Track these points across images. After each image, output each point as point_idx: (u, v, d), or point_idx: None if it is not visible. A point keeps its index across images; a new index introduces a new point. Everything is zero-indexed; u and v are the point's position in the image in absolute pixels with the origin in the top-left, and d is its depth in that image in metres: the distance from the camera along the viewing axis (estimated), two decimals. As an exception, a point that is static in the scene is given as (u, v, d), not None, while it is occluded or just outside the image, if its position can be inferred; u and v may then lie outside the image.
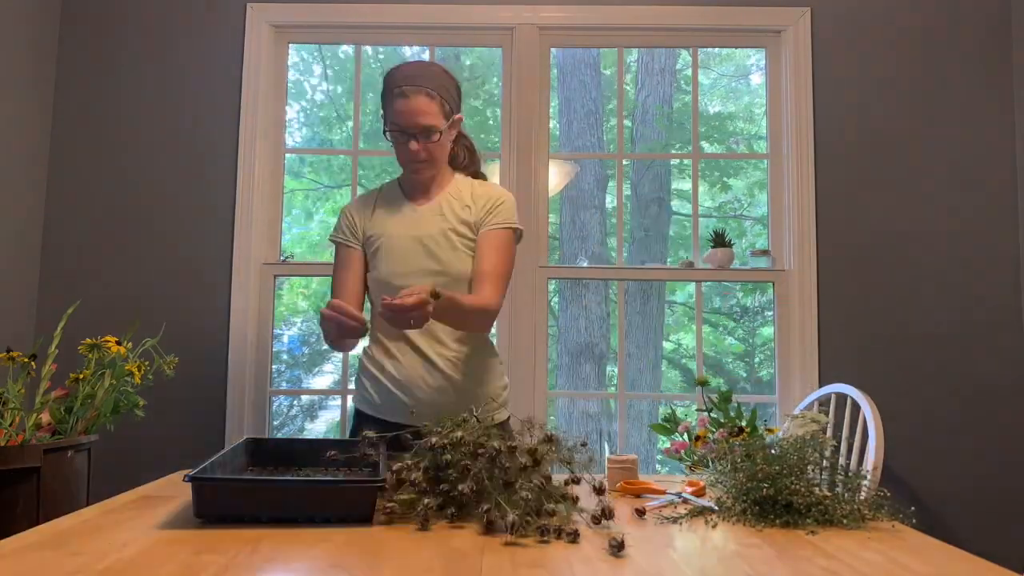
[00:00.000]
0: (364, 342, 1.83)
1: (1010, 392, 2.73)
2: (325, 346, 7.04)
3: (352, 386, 2.99)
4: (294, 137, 6.56)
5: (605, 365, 6.18)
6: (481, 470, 1.15)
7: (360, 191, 3.08)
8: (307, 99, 6.49)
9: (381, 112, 1.80)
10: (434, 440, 1.20)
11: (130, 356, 2.04)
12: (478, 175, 1.94)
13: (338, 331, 1.56)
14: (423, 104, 1.71)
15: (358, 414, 1.85)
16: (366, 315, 1.67)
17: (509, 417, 1.89)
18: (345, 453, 1.34)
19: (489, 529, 1.10)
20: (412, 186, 1.85)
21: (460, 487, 1.13)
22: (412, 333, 1.75)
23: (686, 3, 2.88)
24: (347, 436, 2.08)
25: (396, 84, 1.73)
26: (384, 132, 1.78)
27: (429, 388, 1.75)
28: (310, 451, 1.48)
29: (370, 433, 1.31)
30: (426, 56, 3.12)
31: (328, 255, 2.57)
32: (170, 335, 2.46)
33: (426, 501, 1.14)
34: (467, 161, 1.93)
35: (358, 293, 1.85)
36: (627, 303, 6.16)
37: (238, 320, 2.76)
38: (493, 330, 1.88)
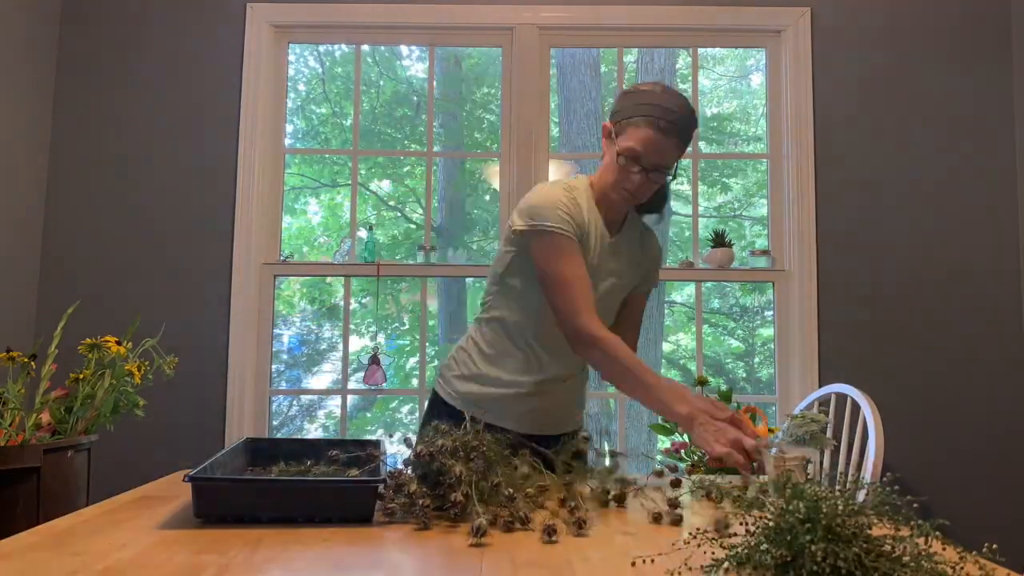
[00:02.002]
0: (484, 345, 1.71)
1: (1010, 392, 2.73)
2: (324, 346, 7.02)
3: (352, 385, 3.00)
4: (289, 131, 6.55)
5: (605, 365, 6.16)
6: (472, 475, 1.15)
7: (360, 191, 3.07)
8: (299, 93, 6.50)
9: (610, 121, 1.62)
10: (419, 449, 1.21)
11: (130, 356, 2.04)
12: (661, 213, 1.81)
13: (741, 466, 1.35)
14: (673, 148, 1.57)
15: (441, 404, 1.71)
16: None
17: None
18: (346, 453, 1.34)
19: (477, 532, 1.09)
20: (609, 208, 1.66)
21: (452, 496, 1.13)
22: (547, 358, 1.66)
23: (686, 3, 2.88)
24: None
25: (658, 113, 1.55)
26: (610, 134, 1.61)
27: (547, 424, 1.72)
28: (310, 451, 1.47)
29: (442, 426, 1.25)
30: (426, 56, 3.12)
31: (326, 252, 2.56)
32: (170, 335, 2.46)
33: (420, 502, 1.14)
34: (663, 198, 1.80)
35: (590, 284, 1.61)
36: (627, 303, 6.14)
37: (238, 320, 2.76)
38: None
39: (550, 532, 1.06)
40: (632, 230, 1.72)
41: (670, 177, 1.62)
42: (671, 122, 1.54)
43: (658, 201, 1.72)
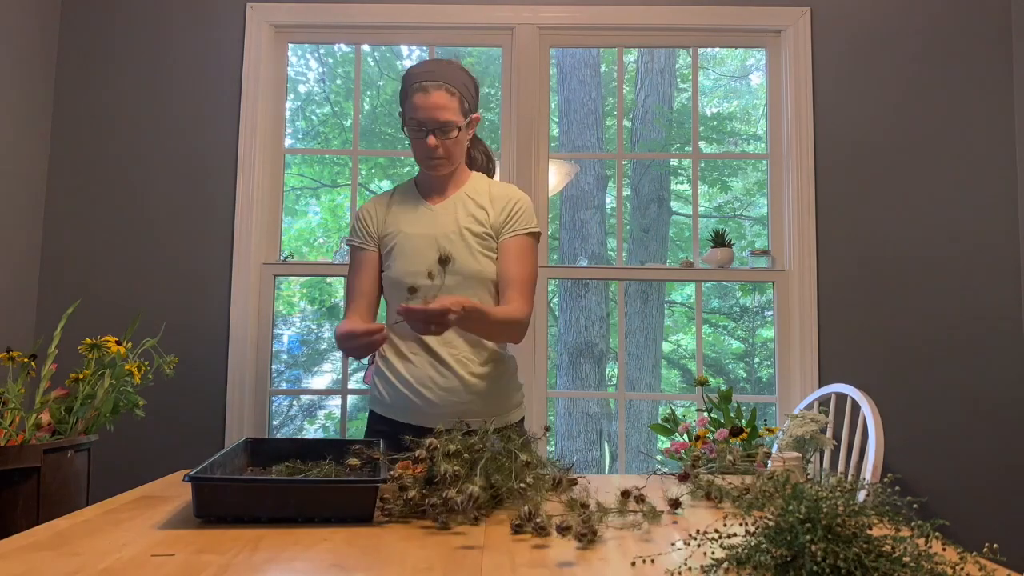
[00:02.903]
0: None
1: (1010, 391, 2.73)
2: (324, 346, 7.01)
3: (352, 385, 3.00)
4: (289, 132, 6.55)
5: (605, 365, 6.18)
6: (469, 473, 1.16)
7: (359, 189, 3.08)
8: (300, 93, 6.50)
9: (400, 109, 1.78)
10: (418, 453, 1.21)
11: (130, 356, 2.04)
12: (491, 175, 1.94)
13: (365, 351, 1.57)
14: (442, 99, 1.70)
15: (371, 414, 1.86)
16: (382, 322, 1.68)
17: (523, 419, 1.89)
18: (346, 453, 1.34)
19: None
20: (428, 184, 1.83)
21: (451, 496, 1.14)
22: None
23: (686, 3, 2.88)
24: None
25: (416, 79, 1.72)
26: (402, 127, 1.77)
27: (439, 389, 1.74)
28: (309, 451, 1.47)
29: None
30: (426, 56, 3.12)
31: (325, 253, 2.56)
32: (170, 335, 2.46)
33: (411, 494, 1.15)
34: (485, 165, 1.93)
35: (373, 296, 1.84)
36: (627, 303, 6.16)
37: (238, 320, 2.76)
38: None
39: (568, 532, 1.06)
40: (474, 190, 1.83)
41: (461, 129, 1.74)
42: (426, 76, 1.71)
43: (481, 160, 1.91)
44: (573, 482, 1.22)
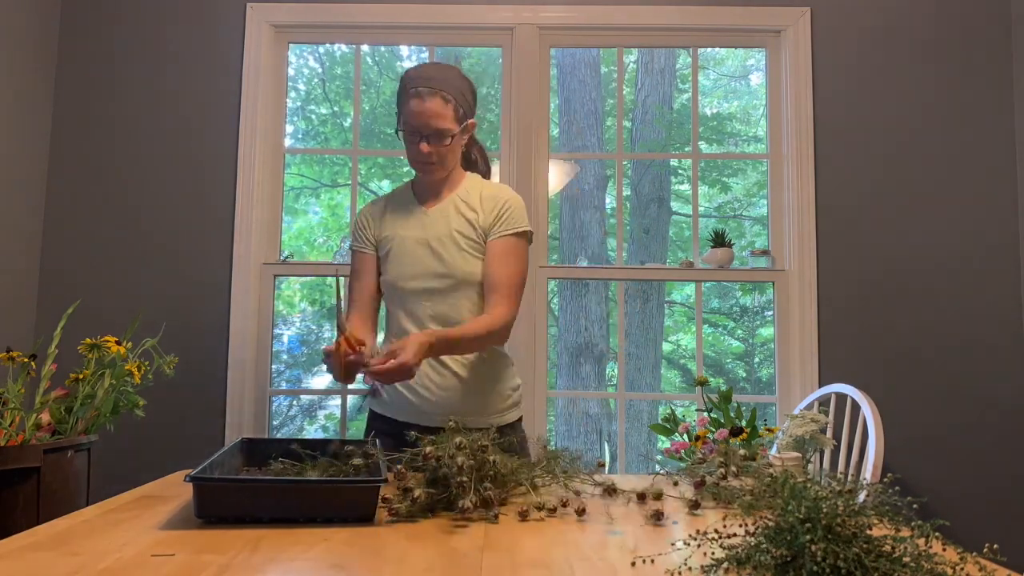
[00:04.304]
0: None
1: (1010, 391, 2.73)
2: (324, 346, 7.06)
3: (352, 385, 3.00)
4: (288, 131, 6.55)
5: (605, 365, 6.18)
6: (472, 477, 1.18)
7: (359, 189, 3.08)
8: (299, 93, 6.50)
9: (397, 111, 1.79)
10: (428, 450, 1.22)
11: (130, 356, 2.04)
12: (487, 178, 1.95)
13: (342, 371, 1.56)
14: (438, 107, 1.71)
15: (370, 412, 1.87)
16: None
17: (521, 418, 1.89)
18: (340, 452, 1.34)
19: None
20: (422, 188, 1.85)
21: (461, 503, 1.15)
22: (417, 330, 1.75)
23: (686, 3, 2.88)
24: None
25: (412, 84, 1.73)
26: (397, 131, 1.78)
27: (437, 388, 1.75)
28: (306, 450, 1.47)
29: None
30: (426, 56, 3.12)
31: (325, 253, 2.56)
32: (170, 335, 2.46)
33: (417, 493, 1.16)
34: (481, 166, 1.93)
35: (373, 299, 1.86)
36: (627, 303, 6.16)
37: (238, 320, 2.76)
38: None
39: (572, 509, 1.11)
40: (466, 192, 1.82)
41: (455, 136, 1.75)
42: (422, 83, 1.71)
43: (473, 161, 1.91)
44: (581, 511, 1.22)
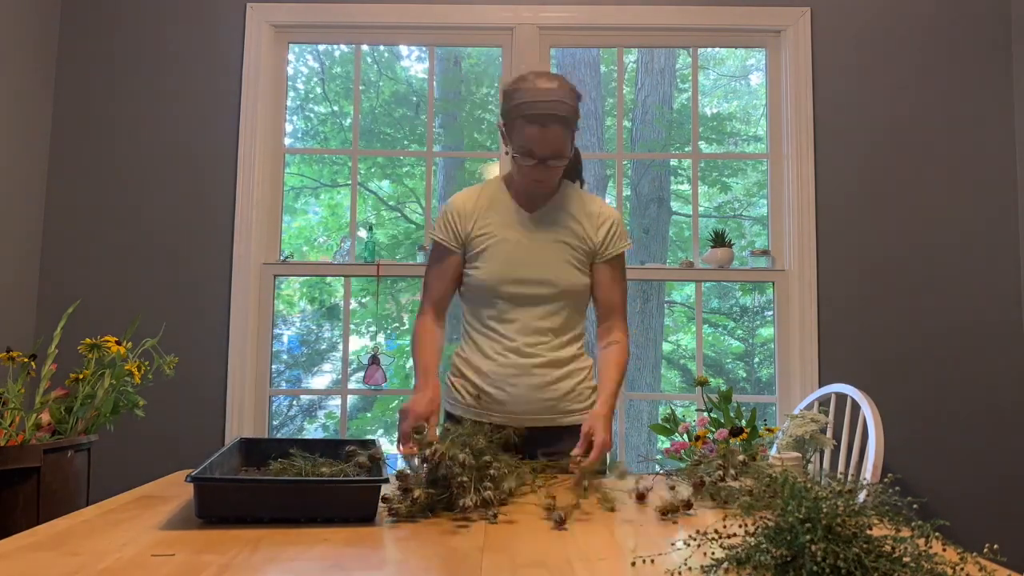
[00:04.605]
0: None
1: (1010, 391, 2.73)
2: (324, 346, 7.02)
3: (352, 385, 3.00)
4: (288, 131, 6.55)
5: (605, 365, 6.16)
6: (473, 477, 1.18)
7: (359, 189, 3.07)
8: (299, 93, 6.50)
9: (501, 121, 1.72)
10: (427, 453, 1.22)
11: (130, 356, 2.04)
12: (577, 178, 1.90)
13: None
14: (559, 135, 1.65)
15: (448, 416, 1.82)
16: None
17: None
18: (340, 452, 1.34)
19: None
20: (520, 190, 1.78)
21: (461, 502, 1.15)
22: (511, 333, 1.74)
23: (686, 3, 2.88)
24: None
25: (532, 108, 1.64)
26: (503, 138, 1.73)
27: (524, 387, 1.73)
28: (304, 450, 1.47)
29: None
30: (426, 56, 3.12)
31: (325, 253, 2.56)
32: (170, 335, 2.46)
33: (417, 493, 1.16)
34: (574, 168, 1.88)
35: (448, 295, 1.81)
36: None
37: (238, 320, 2.76)
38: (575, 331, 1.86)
39: (559, 520, 1.11)
40: (566, 203, 1.79)
41: (571, 153, 1.71)
42: (547, 114, 1.63)
43: (571, 169, 1.83)
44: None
